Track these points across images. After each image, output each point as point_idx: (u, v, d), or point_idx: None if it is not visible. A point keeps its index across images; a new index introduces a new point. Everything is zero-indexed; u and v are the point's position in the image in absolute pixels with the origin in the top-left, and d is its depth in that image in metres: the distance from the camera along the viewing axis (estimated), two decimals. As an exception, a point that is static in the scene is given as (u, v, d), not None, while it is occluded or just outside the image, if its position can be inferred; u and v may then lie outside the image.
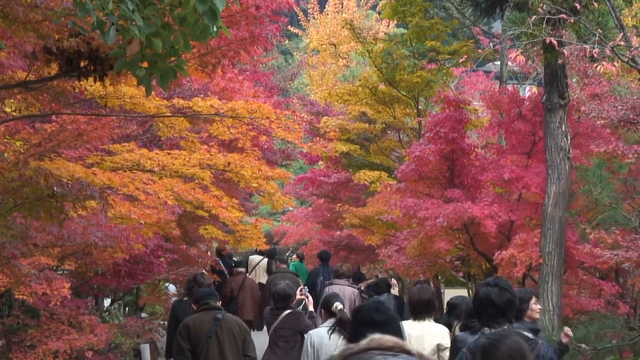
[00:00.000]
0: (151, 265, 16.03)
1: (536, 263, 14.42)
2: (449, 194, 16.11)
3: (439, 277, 21.50)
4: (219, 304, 10.71)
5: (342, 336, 9.23)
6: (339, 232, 25.53)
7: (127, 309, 20.23)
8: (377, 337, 3.62)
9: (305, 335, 9.73)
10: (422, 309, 9.60)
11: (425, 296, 9.81)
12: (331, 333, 9.37)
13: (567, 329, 10.50)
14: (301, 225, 31.13)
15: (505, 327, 6.45)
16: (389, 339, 3.62)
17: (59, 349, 12.25)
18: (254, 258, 24.23)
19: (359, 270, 26.16)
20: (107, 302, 19.18)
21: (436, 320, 10.10)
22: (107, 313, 17.47)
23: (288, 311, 11.77)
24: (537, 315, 9.50)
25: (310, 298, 12.50)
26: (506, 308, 6.51)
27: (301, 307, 12.15)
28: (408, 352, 3.58)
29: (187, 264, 17.84)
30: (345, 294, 15.25)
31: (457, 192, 16.02)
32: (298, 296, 12.16)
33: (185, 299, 13.77)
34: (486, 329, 6.56)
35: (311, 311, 12.04)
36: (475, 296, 6.93)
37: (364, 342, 3.60)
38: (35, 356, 12.09)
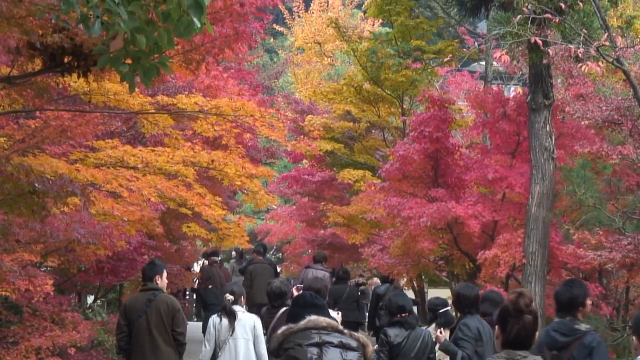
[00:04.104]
0: (134, 263, 16.04)
1: (520, 263, 14.45)
2: (432, 194, 16.12)
3: (423, 277, 21.50)
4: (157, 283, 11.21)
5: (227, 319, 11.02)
6: (322, 231, 25.48)
7: (110, 306, 20.18)
8: (313, 318, 4.14)
9: (209, 320, 11.20)
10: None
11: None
12: (222, 317, 11.03)
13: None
14: (285, 223, 31.06)
15: (567, 319, 7.97)
16: (323, 319, 4.12)
17: (41, 346, 12.24)
18: None
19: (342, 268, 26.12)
20: (90, 299, 19.15)
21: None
22: (90, 310, 17.43)
23: (284, 308, 11.71)
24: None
25: None
26: (568, 304, 7.97)
27: None
28: (340, 332, 4.06)
29: (170, 262, 17.80)
30: (319, 276, 17.46)
31: (441, 192, 16.03)
32: (295, 293, 12.16)
33: (210, 287, 16.77)
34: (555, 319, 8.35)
35: None
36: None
37: (302, 322, 4.11)
38: (18, 352, 12.06)
